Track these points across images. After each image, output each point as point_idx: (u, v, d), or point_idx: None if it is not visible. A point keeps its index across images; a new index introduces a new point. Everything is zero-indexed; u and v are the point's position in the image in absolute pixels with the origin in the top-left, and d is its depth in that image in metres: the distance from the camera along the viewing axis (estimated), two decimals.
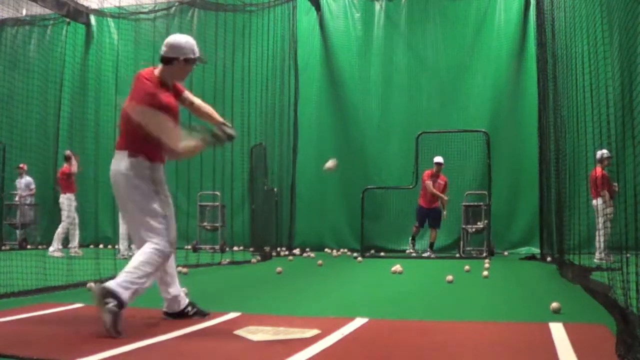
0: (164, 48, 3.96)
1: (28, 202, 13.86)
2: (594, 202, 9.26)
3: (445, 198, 11.81)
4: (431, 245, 11.88)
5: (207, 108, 4.29)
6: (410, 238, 12.07)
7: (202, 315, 4.23)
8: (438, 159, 11.82)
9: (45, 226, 14.49)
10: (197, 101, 4.27)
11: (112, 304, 3.55)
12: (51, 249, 10.93)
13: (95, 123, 14.69)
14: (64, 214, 11.08)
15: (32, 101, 13.63)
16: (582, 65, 7.09)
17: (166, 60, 3.97)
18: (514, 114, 12.86)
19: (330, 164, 5.20)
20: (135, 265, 3.75)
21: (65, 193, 11.06)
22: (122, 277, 3.70)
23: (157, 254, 3.82)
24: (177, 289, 4.18)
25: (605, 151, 8.28)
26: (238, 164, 12.93)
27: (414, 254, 11.83)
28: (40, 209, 14.38)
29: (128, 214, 4.01)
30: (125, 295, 3.62)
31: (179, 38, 4.03)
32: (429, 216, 11.89)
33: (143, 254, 3.80)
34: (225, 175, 12.41)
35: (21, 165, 13.46)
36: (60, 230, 11.10)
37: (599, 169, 9.09)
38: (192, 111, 4.29)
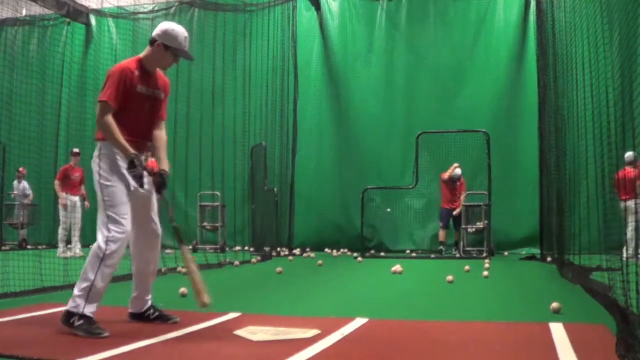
0: (155, 29, 4.05)
1: (25, 202, 13.83)
2: (629, 203, 9.12)
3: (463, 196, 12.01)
4: (456, 244, 11.99)
5: (163, 147, 4.11)
6: (439, 246, 12.01)
7: (165, 320, 4.05)
8: (457, 171, 11.91)
9: (46, 226, 14.47)
10: (161, 135, 4.12)
11: (77, 322, 3.63)
12: (74, 249, 10.85)
13: (94, 123, 14.65)
14: (78, 213, 10.88)
15: (31, 101, 13.60)
16: (582, 65, 7.08)
17: (150, 41, 4.03)
18: (514, 114, 12.82)
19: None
20: (84, 267, 3.76)
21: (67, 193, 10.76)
22: (75, 287, 3.76)
23: (97, 249, 3.72)
24: (143, 290, 4.07)
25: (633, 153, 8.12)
26: (238, 164, 12.92)
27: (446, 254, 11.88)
28: (40, 210, 14.35)
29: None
30: (81, 305, 3.65)
31: (169, 24, 4.09)
32: (454, 217, 11.99)
33: (90, 253, 3.78)
34: (225, 175, 12.40)
35: (20, 169, 13.45)
36: (62, 231, 10.94)
37: (630, 170, 8.88)
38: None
